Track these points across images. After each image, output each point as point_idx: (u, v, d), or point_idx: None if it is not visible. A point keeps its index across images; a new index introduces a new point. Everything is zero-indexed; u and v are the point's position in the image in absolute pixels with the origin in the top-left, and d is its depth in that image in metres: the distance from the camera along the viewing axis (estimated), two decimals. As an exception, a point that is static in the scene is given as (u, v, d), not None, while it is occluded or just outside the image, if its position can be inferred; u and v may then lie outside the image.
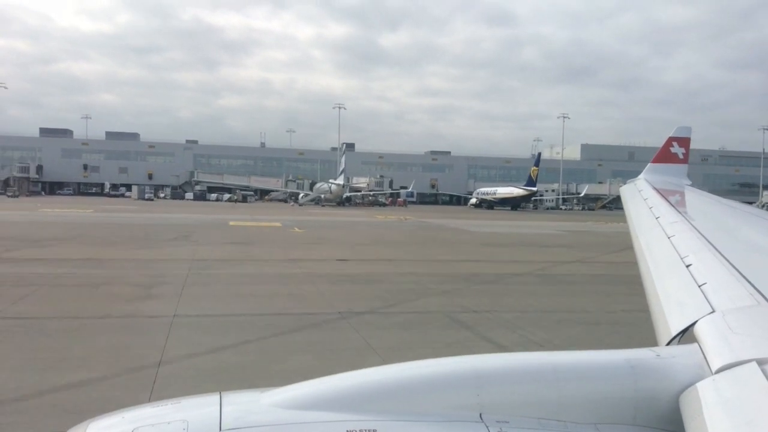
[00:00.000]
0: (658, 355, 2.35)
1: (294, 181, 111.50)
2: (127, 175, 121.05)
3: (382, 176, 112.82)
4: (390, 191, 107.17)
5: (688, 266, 3.56)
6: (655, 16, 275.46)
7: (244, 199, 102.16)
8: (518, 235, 42.13)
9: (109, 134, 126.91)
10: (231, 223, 45.46)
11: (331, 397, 2.11)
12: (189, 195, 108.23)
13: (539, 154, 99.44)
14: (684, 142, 9.20)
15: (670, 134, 9.33)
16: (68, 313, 13.05)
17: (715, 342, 2.38)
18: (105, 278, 17.67)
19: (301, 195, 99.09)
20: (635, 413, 2.18)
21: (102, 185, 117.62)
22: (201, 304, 14.42)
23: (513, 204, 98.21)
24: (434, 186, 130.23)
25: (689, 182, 8.59)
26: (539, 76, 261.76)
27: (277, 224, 45.40)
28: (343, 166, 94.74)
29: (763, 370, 1.99)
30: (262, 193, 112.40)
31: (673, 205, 5.85)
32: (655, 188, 7.03)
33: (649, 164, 9.07)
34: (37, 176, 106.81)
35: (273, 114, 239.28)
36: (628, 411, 2.18)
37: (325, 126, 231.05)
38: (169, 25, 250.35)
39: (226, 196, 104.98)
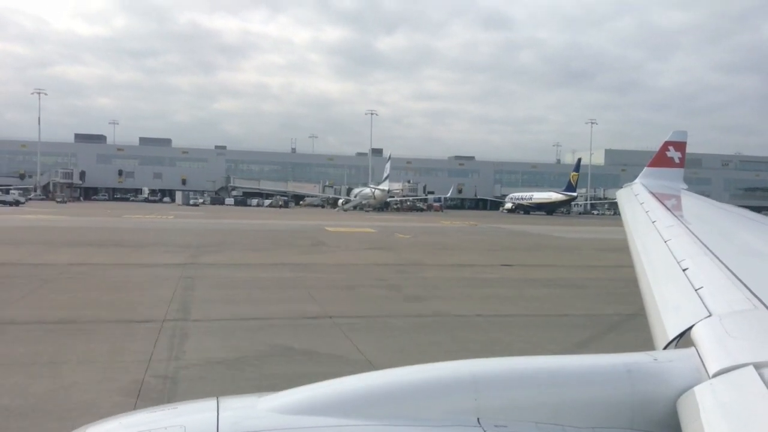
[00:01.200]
0: (655, 359, 2.35)
1: (331, 187, 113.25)
2: (161, 180, 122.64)
3: (415, 182, 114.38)
4: (425, 196, 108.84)
5: (684, 270, 3.57)
6: (652, 20, 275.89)
7: (285, 205, 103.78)
8: (611, 240, 43.67)
9: (142, 140, 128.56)
10: (328, 229, 46.84)
11: (329, 402, 2.12)
12: (229, 200, 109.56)
13: (579, 160, 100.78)
14: (680, 146, 9.25)
15: (666, 138, 9.40)
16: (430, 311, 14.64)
17: (712, 346, 2.38)
18: (355, 281, 19.24)
19: (341, 200, 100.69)
20: (632, 417, 2.18)
21: (136, 191, 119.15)
22: (506, 307, 15.87)
23: (549, 209, 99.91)
24: (461, 191, 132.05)
25: (685, 186, 8.62)
26: (536, 80, 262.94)
27: (370, 230, 46.95)
28: (387, 172, 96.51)
29: (760, 374, 1.99)
30: (296, 199, 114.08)
31: (669, 209, 5.83)
32: (651, 192, 7.04)
33: (645, 168, 9.14)
34: (80, 182, 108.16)
35: (270, 118, 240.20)
36: (625, 415, 2.18)
37: (323, 130, 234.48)
38: (165, 29, 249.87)
39: (267, 201, 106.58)
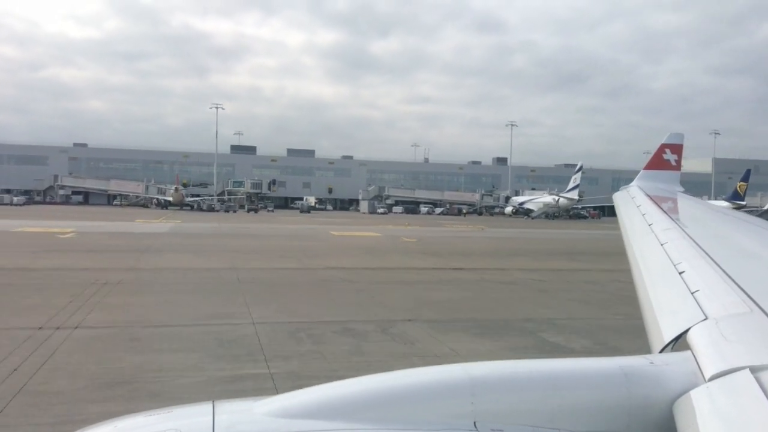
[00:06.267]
0: (651, 363, 2.37)
1: (490, 195, 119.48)
2: (309, 189, 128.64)
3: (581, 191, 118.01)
4: (587, 205, 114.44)
5: (681, 273, 3.58)
6: (645, 23, 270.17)
7: (459, 213, 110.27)
8: None
9: (290, 151, 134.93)
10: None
11: (325, 406, 2.13)
12: (398, 209, 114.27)
13: (748, 171, 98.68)
14: (677, 148, 9.22)
15: (663, 141, 9.32)
16: None
17: (709, 349, 2.39)
18: None
19: (509, 208, 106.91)
20: (629, 421, 2.19)
21: (286, 199, 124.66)
22: None
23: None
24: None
25: (682, 189, 8.57)
26: (529, 84, 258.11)
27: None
28: (577, 182, 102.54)
29: (756, 378, 2.00)
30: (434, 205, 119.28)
31: (665, 212, 5.82)
32: (648, 195, 7.03)
33: (641, 171, 9.08)
34: (269, 191, 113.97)
35: (263, 121, 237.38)
36: (621, 418, 2.19)
37: (315, 133, 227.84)
38: (158, 31, 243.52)
39: (438, 210, 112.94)
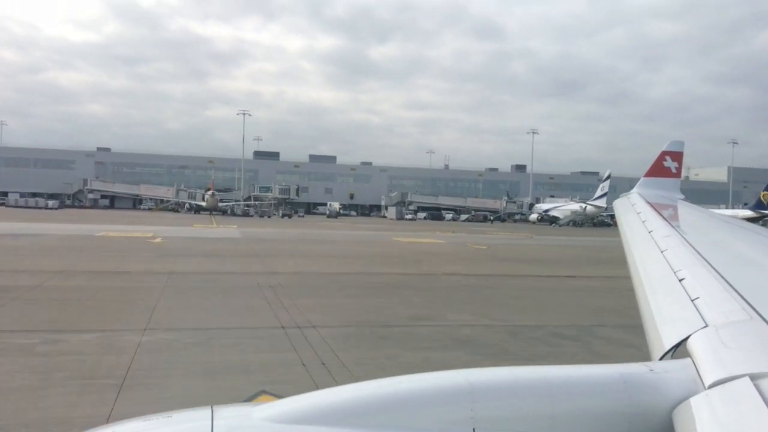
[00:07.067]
0: (651, 370, 2.37)
1: (513, 202, 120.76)
2: (331, 195, 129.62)
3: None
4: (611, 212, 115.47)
5: (681, 280, 3.59)
6: (643, 31, 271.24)
7: (485, 219, 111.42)
8: None
9: (312, 157, 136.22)
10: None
11: (324, 411, 2.13)
12: (421, 215, 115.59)
13: None
14: (677, 156, 9.23)
15: (663, 148, 9.34)
16: None
17: (708, 357, 2.40)
18: None
19: (534, 215, 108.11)
20: (628, 428, 2.19)
21: (309, 204, 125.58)
22: None
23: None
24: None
25: (682, 196, 8.59)
26: (528, 90, 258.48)
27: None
28: (605, 190, 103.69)
29: (756, 386, 2.00)
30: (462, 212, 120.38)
31: (666, 219, 5.85)
32: (648, 202, 7.06)
33: (642, 178, 9.09)
34: (297, 197, 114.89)
35: (262, 126, 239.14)
36: (621, 426, 2.19)
37: (314, 138, 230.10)
38: (157, 36, 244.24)
39: (463, 216, 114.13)
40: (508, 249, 42.34)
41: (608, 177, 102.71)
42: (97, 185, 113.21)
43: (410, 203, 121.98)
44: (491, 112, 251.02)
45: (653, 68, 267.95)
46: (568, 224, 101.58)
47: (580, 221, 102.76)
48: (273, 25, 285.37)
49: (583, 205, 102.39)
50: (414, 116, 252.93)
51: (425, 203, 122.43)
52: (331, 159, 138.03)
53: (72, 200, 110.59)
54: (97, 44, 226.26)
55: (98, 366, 10.04)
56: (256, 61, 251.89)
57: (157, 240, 37.67)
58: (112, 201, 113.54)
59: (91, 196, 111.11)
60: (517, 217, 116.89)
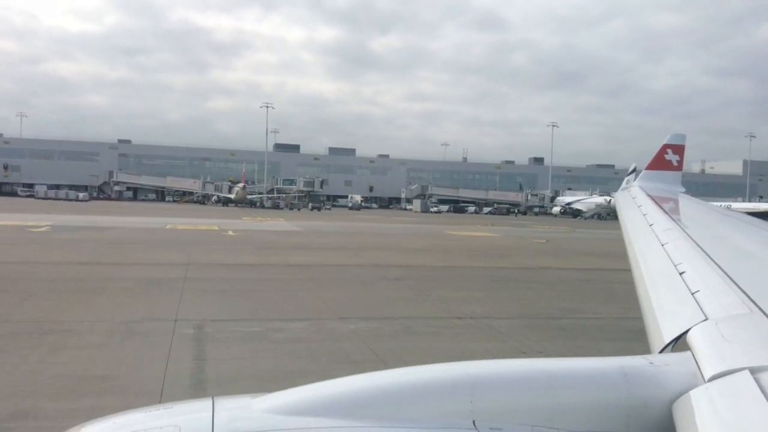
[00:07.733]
0: (651, 363, 2.38)
1: (535, 195, 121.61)
2: (351, 187, 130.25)
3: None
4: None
5: (681, 274, 3.61)
6: (644, 23, 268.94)
7: (507, 212, 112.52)
8: None
9: (331, 149, 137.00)
10: None
11: (324, 403, 2.15)
12: (443, 207, 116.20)
13: None
14: (678, 149, 9.24)
15: (665, 141, 9.33)
16: None
17: (708, 350, 2.41)
18: None
19: (557, 208, 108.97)
20: (628, 421, 2.20)
21: (328, 197, 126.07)
22: None
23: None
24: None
25: (683, 189, 8.59)
26: (529, 82, 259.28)
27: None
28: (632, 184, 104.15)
29: (755, 379, 2.01)
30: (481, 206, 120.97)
31: (666, 213, 5.88)
32: (649, 195, 7.07)
33: (643, 171, 9.18)
34: (321, 190, 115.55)
35: (262, 117, 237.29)
36: (621, 418, 2.21)
37: (315, 129, 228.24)
38: (157, 26, 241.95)
39: (486, 209, 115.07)
40: (568, 242, 43.13)
41: (633, 170, 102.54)
42: (122, 177, 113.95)
43: (431, 196, 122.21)
44: (492, 104, 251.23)
45: (654, 60, 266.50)
46: (592, 217, 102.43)
47: (604, 214, 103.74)
48: (273, 15, 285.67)
49: (608, 198, 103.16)
50: (415, 108, 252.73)
51: (446, 196, 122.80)
52: (351, 151, 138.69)
53: (98, 192, 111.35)
54: (97, 35, 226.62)
55: (340, 350, 10.86)
56: (256, 52, 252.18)
57: (230, 233, 38.44)
58: (135, 193, 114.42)
59: (117, 188, 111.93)
60: (536, 209, 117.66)
